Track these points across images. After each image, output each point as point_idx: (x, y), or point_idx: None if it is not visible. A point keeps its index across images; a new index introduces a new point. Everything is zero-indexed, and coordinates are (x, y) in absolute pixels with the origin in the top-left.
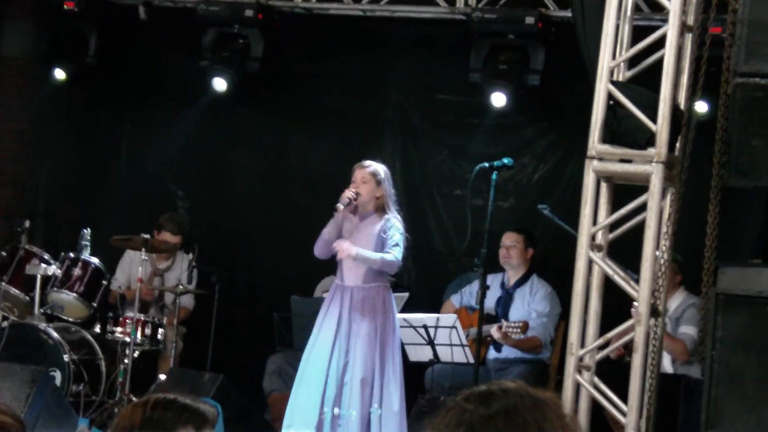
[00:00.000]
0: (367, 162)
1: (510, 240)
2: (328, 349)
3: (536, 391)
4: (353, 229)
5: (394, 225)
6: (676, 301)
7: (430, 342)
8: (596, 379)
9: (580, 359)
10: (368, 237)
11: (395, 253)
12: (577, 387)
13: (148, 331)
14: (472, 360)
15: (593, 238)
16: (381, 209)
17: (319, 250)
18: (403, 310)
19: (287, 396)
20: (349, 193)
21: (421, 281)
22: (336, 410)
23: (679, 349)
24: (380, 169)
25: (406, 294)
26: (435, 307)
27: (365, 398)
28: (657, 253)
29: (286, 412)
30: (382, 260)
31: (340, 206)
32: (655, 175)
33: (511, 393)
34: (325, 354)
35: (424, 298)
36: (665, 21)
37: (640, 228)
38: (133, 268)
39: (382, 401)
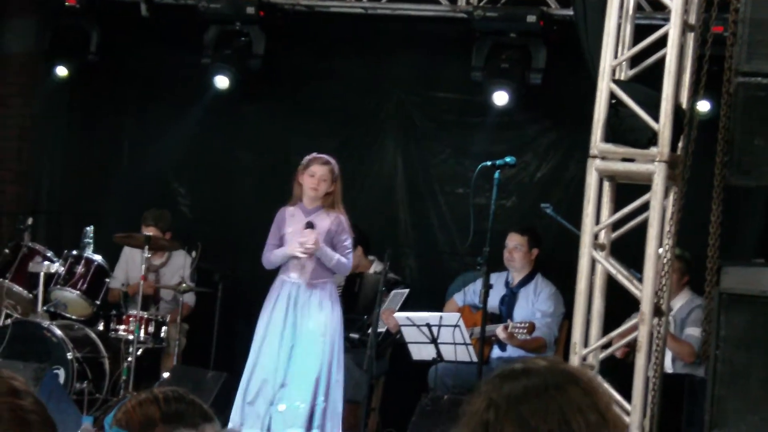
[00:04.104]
0: (326, 157)
1: (513, 242)
2: (276, 348)
3: (565, 369)
4: (300, 228)
5: (346, 228)
6: (681, 300)
7: (434, 340)
8: (600, 379)
9: (584, 358)
10: (319, 233)
11: (349, 259)
12: None
13: (151, 328)
14: (475, 359)
15: (596, 237)
16: (330, 205)
17: (270, 266)
18: (404, 308)
19: None
20: (312, 246)
21: (423, 280)
22: (281, 407)
23: (686, 351)
24: (336, 165)
25: (407, 290)
26: (438, 305)
27: (314, 392)
28: (660, 251)
29: (235, 408)
30: (339, 262)
31: (297, 253)
32: (658, 174)
33: (534, 373)
34: (274, 354)
35: (427, 296)
36: (667, 20)
37: (642, 227)
38: (131, 265)
39: (328, 395)
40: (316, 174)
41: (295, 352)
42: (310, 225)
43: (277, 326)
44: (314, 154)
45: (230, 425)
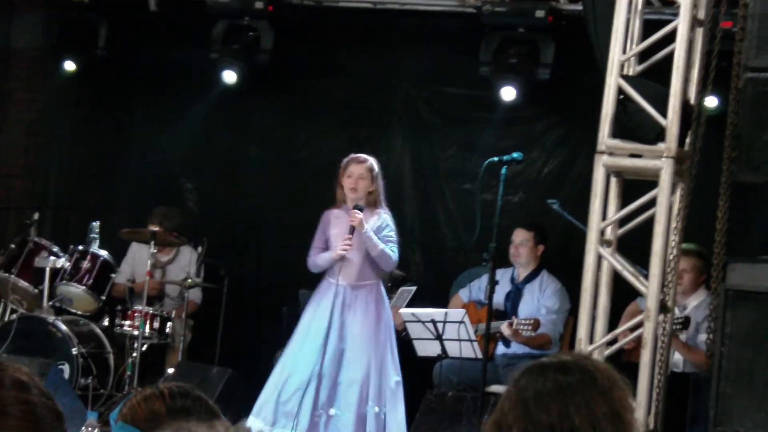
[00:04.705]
0: (363, 156)
1: (520, 237)
2: (320, 349)
3: (584, 365)
4: (345, 230)
5: (390, 224)
6: (696, 300)
7: (438, 337)
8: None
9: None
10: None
11: (395, 252)
12: None
13: (156, 324)
14: (480, 355)
15: (602, 233)
16: (372, 204)
17: (316, 269)
18: (411, 304)
19: None
20: (346, 248)
21: (429, 275)
22: (331, 411)
23: (701, 359)
24: (375, 163)
25: (414, 288)
26: (443, 301)
27: (361, 399)
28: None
29: (269, 408)
30: (383, 251)
31: (340, 253)
32: (665, 170)
33: (551, 368)
34: (316, 355)
35: (433, 292)
36: (676, 15)
37: (649, 223)
38: (137, 260)
39: (381, 400)
40: (353, 174)
41: (344, 358)
42: (358, 207)
43: (321, 329)
44: (352, 155)
45: (253, 418)
